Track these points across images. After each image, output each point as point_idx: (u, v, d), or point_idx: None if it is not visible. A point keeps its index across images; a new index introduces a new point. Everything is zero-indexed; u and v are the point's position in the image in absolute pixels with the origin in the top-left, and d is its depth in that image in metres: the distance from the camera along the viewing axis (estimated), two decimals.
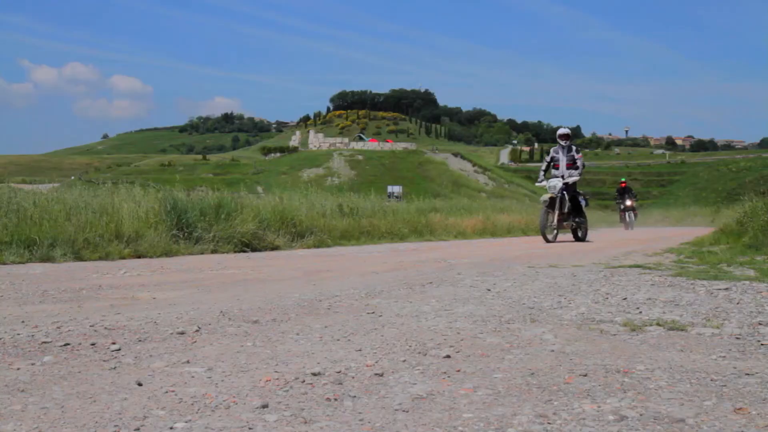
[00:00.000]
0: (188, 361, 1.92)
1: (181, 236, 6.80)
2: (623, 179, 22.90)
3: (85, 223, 6.00)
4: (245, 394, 1.60)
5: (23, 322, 2.53)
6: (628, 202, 19.81)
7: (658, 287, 3.60)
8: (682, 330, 2.40)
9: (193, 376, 1.75)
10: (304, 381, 1.72)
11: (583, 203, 10.07)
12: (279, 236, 8.04)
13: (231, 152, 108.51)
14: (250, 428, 1.36)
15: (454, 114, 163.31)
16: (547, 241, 9.07)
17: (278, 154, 72.64)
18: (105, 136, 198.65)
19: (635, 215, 20.30)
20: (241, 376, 1.77)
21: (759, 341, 2.20)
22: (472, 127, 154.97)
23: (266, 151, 76.75)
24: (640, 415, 1.44)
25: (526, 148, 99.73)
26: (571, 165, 9.86)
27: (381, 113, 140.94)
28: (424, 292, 3.49)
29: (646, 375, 1.78)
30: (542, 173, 10.16)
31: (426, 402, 1.55)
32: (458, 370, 1.84)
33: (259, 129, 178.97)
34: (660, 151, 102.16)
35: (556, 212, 9.32)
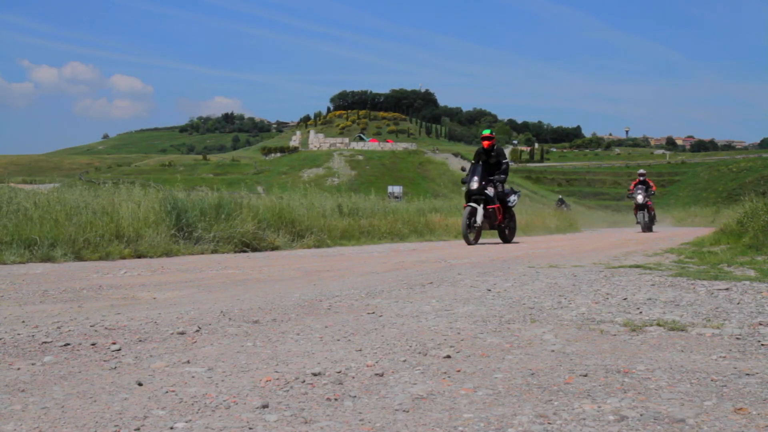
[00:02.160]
0: (188, 361, 1.92)
1: (181, 236, 6.81)
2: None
3: (86, 223, 6.00)
4: (245, 394, 1.60)
5: (23, 322, 2.53)
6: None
7: (658, 287, 3.60)
8: (682, 330, 2.40)
9: (193, 376, 1.75)
10: (304, 381, 1.72)
11: None
12: (279, 236, 8.04)
13: (231, 152, 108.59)
14: (250, 428, 1.36)
15: (454, 114, 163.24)
16: None
17: (278, 154, 72.72)
18: (105, 136, 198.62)
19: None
20: (241, 376, 1.77)
21: (759, 341, 2.20)
22: (473, 127, 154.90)
23: (266, 151, 76.83)
24: (641, 415, 1.44)
25: (526, 148, 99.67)
26: None
27: (381, 113, 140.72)
28: (424, 292, 3.49)
29: (646, 375, 1.78)
30: None
31: (426, 402, 1.55)
32: (458, 370, 1.84)
33: (259, 129, 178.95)
34: (660, 152, 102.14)
35: None
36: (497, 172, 9.60)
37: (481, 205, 9.17)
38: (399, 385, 1.69)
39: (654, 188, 16.63)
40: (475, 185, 9.25)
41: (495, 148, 9.73)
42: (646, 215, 15.95)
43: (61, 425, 1.36)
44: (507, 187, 10.08)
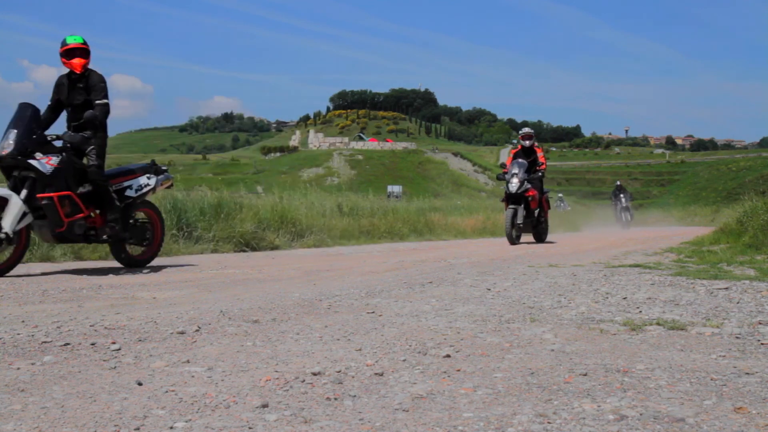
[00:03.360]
0: (188, 361, 1.92)
1: (181, 236, 6.81)
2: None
3: None
4: (245, 393, 1.60)
5: (23, 321, 2.53)
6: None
7: (658, 287, 3.60)
8: (682, 329, 2.40)
9: (193, 376, 1.75)
10: (304, 380, 1.72)
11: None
12: (279, 236, 8.05)
13: (231, 152, 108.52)
14: (250, 428, 1.36)
15: (454, 114, 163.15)
16: None
17: (278, 154, 72.76)
18: None
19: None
20: (241, 375, 1.77)
21: (759, 341, 2.20)
22: (472, 126, 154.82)
23: (266, 150, 76.85)
24: (640, 414, 1.44)
25: None
26: None
27: (381, 113, 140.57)
28: (424, 292, 3.49)
29: (646, 374, 1.78)
30: None
31: (426, 401, 1.55)
32: (458, 370, 1.84)
33: (259, 129, 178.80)
34: (660, 151, 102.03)
35: None
36: (74, 123, 4.66)
37: (23, 193, 4.20)
38: (399, 385, 1.69)
39: (544, 165, 9.18)
40: (7, 149, 4.21)
41: (89, 74, 4.71)
42: (520, 214, 8.44)
43: (60, 425, 1.36)
44: (152, 163, 5.25)
